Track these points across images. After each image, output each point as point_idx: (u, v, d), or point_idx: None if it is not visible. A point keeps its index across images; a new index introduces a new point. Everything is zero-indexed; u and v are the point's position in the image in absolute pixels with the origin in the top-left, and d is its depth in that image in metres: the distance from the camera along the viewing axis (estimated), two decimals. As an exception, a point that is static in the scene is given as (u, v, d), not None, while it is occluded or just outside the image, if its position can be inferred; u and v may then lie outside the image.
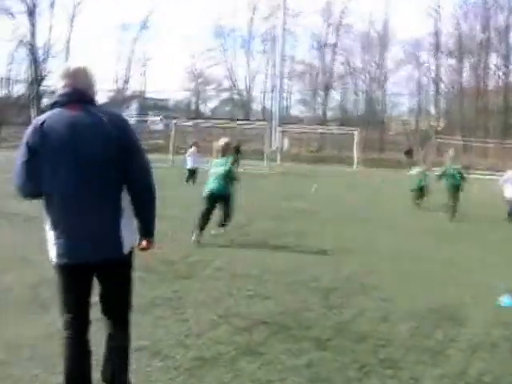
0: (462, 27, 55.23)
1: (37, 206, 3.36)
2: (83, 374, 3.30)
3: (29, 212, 10.91)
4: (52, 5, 57.87)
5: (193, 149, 21.49)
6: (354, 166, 37.35)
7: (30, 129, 3.17)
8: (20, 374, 3.72)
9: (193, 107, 68.22)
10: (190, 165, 20.78)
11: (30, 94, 62.24)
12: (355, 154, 38.88)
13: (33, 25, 57.42)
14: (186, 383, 3.75)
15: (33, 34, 57.58)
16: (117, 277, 3.33)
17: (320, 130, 52.02)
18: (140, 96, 66.38)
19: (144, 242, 3.37)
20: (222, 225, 9.35)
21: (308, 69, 63.46)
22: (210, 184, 9.19)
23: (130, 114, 64.63)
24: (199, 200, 9.17)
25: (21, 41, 58.33)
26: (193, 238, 8.71)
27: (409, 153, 38.44)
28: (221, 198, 9.16)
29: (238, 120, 52.58)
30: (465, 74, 56.30)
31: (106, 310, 3.36)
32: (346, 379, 3.94)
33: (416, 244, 9.58)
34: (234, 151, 27.25)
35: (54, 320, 4.70)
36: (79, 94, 3.19)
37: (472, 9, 54.47)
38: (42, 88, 60.58)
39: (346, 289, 6.34)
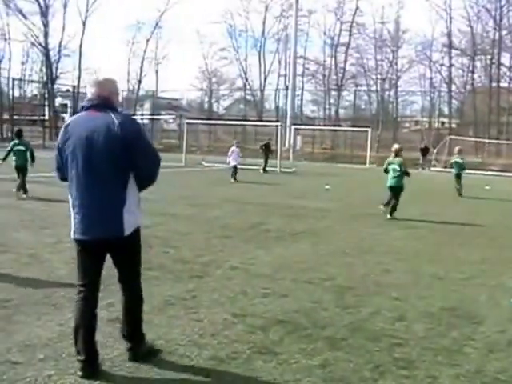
0: (474, 26, 54.91)
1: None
2: (89, 323, 3.95)
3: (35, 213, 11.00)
4: (65, 5, 58.22)
5: (234, 147, 22.30)
6: (367, 165, 37.23)
7: (62, 128, 3.92)
8: (33, 375, 3.73)
9: (206, 106, 68.38)
10: (232, 162, 21.76)
11: (43, 93, 62.72)
12: (368, 152, 38.77)
13: (46, 25, 57.82)
14: (200, 383, 3.76)
15: (46, 35, 57.99)
16: (122, 252, 3.97)
17: (333, 129, 51.98)
18: (153, 95, 66.58)
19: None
20: (391, 209, 12.30)
21: (320, 68, 63.38)
22: (390, 179, 12.46)
23: (143, 114, 65.09)
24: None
25: (33, 42, 58.79)
26: (388, 215, 12.22)
27: (425, 150, 38.17)
28: (395, 189, 12.32)
29: (250, 120, 52.73)
30: (477, 73, 56.00)
31: (119, 278, 4.08)
32: (361, 379, 3.93)
33: (430, 243, 9.52)
34: (265, 149, 27.52)
35: (67, 320, 4.76)
36: (102, 100, 3.83)
37: (484, 8, 54.10)
38: (55, 88, 61.02)
39: (361, 288, 6.33)
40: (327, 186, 19.11)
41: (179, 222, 10.51)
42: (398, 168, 12.28)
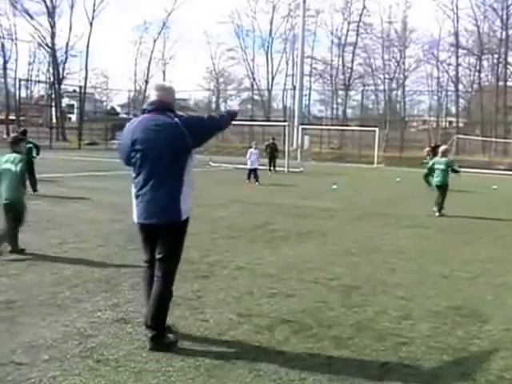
0: (481, 26, 54.70)
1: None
2: (147, 291, 4.48)
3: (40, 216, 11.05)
4: (72, 6, 58.44)
5: (252, 149, 21.76)
6: (375, 165, 37.15)
7: (126, 126, 4.53)
8: (38, 376, 3.73)
9: (213, 107, 68.47)
10: (252, 165, 20.99)
11: (50, 94, 62.98)
12: (376, 152, 38.68)
13: (52, 26, 58.05)
14: (206, 383, 3.76)
15: (52, 35, 58.22)
16: (171, 237, 4.45)
17: (340, 129, 51.90)
18: (160, 96, 66.65)
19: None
20: (439, 206, 13.00)
21: (328, 68, 63.32)
22: (436, 178, 13.33)
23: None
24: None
25: (40, 42, 59.03)
26: (436, 213, 12.87)
27: (435, 149, 37.89)
28: (443, 187, 13.11)
29: (258, 120, 52.70)
30: (484, 72, 55.79)
31: (157, 260, 4.43)
32: (367, 378, 3.92)
33: (436, 243, 9.49)
34: (271, 150, 27.28)
35: (72, 321, 4.78)
36: (162, 104, 4.40)
37: (491, 7, 53.89)
38: (62, 88, 61.24)
39: (367, 287, 6.31)
40: (334, 186, 19.08)
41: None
42: (445, 167, 13.20)
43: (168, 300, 4.42)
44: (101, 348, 4.23)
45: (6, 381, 3.66)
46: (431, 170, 13.80)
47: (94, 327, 4.68)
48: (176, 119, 4.32)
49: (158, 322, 4.34)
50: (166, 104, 4.41)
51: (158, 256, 4.41)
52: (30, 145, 14.25)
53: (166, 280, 4.40)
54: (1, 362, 3.93)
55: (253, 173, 20.88)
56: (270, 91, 65.37)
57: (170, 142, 4.28)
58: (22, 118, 53.32)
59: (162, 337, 4.33)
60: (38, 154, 15.17)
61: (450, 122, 58.01)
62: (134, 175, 4.47)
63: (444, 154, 13.78)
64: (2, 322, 4.72)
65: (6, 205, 7.35)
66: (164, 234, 4.41)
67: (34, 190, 13.92)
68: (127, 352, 4.18)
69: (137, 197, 4.44)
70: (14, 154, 7.50)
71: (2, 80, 60.89)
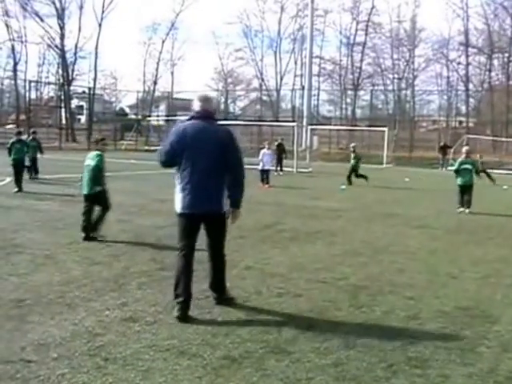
0: (491, 24, 54.39)
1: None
2: (187, 273, 5.25)
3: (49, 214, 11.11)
4: (81, 7, 58.66)
5: (265, 150, 20.65)
6: (384, 165, 37.03)
7: (175, 130, 5.22)
8: (47, 374, 3.77)
9: (222, 107, 68.52)
10: (265, 166, 19.75)
11: (59, 95, 63.26)
12: (385, 152, 38.55)
13: (62, 27, 58.29)
14: (213, 382, 3.76)
15: (62, 37, 58.45)
16: (215, 224, 5.31)
17: (349, 129, 51.75)
18: (168, 97, 66.84)
19: (232, 214, 5.28)
20: (468, 205, 13.49)
21: (337, 68, 63.22)
22: (463, 178, 13.63)
23: (159, 115, 65.33)
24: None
25: (50, 44, 59.29)
26: (466, 211, 13.32)
27: (444, 148, 37.73)
28: (469, 187, 13.55)
29: (267, 121, 52.67)
30: (494, 71, 55.43)
31: (208, 244, 5.41)
32: (374, 378, 3.91)
33: (445, 243, 9.45)
34: (279, 150, 26.96)
35: (81, 320, 4.82)
36: (207, 112, 5.23)
37: (501, 5, 53.55)
38: (71, 89, 61.49)
39: (374, 287, 6.30)
40: (343, 186, 19.05)
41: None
42: (471, 167, 13.79)
43: (224, 268, 5.51)
44: (109, 346, 4.26)
45: (16, 378, 3.69)
46: (458, 172, 13.91)
47: (102, 326, 4.71)
48: (222, 128, 5.29)
49: (219, 286, 5.50)
50: (209, 112, 5.26)
51: (208, 239, 5.38)
52: (34, 143, 17.82)
53: (219, 255, 5.44)
54: (11, 359, 3.97)
55: (265, 174, 19.65)
56: (278, 91, 65.40)
57: (215, 144, 5.09)
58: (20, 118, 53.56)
59: (223, 296, 5.49)
60: (41, 152, 18.74)
61: (460, 122, 57.72)
62: (181, 172, 5.15)
63: (468, 155, 14.13)
64: (12, 320, 4.77)
65: (86, 195, 8.62)
66: (210, 222, 5.27)
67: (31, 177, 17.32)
68: (135, 350, 4.20)
69: (183, 190, 5.14)
70: (95, 152, 8.71)
71: (13, 82, 61.27)
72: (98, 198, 8.60)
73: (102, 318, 4.92)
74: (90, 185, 8.50)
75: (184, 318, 4.95)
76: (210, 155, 5.08)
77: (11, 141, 16.19)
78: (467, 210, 13.42)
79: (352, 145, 23.65)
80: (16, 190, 14.55)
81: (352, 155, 22.09)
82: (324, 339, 4.61)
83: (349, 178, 21.33)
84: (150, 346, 4.31)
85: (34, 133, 20.28)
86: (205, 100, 5.29)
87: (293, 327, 4.87)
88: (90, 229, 8.49)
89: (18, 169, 15.19)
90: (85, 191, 8.60)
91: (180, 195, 5.19)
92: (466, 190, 13.69)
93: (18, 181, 14.88)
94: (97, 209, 8.74)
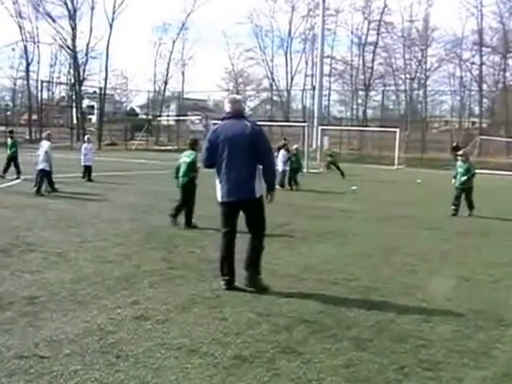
0: (507, 23, 53.90)
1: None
2: (231, 255, 6.05)
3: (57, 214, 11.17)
4: (92, 8, 58.89)
5: (283, 150, 19.82)
6: (395, 166, 36.88)
7: (211, 131, 6.13)
8: (60, 370, 3.79)
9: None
10: (282, 167, 18.88)
11: (70, 95, 63.58)
12: (396, 153, 38.37)
13: (73, 28, 58.54)
14: (224, 381, 3.76)
15: (73, 37, 58.70)
16: (252, 210, 6.05)
17: (360, 129, 51.57)
18: (179, 97, 66.95)
19: (268, 196, 6.14)
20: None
21: (348, 68, 62.99)
22: (459, 180, 13.32)
23: (169, 115, 65.41)
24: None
25: (62, 44, 59.57)
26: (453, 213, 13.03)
27: (456, 149, 37.43)
28: (464, 190, 13.21)
29: (277, 121, 52.59)
30: (509, 71, 54.90)
31: (248, 228, 6.11)
32: (386, 380, 3.89)
33: (457, 245, 9.40)
34: (286, 151, 26.72)
35: (93, 317, 4.84)
36: (237, 112, 6.07)
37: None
38: (82, 89, 61.75)
39: (386, 289, 6.27)
40: (354, 187, 18.99)
41: (204, 222, 10.53)
42: (464, 172, 13.29)
43: (261, 252, 6.12)
44: (120, 344, 4.27)
45: (29, 373, 3.72)
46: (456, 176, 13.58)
47: (113, 324, 4.73)
48: (250, 124, 5.96)
49: (254, 268, 6.02)
50: (239, 112, 6.09)
51: (247, 223, 6.06)
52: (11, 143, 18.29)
53: (258, 238, 6.09)
54: (24, 354, 4.01)
55: (282, 175, 18.83)
56: (289, 92, 65.24)
57: (245, 138, 5.82)
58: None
59: (257, 279, 6.00)
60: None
61: (473, 123, 57.28)
62: (218, 166, 5.94)
63: (463, 159, 13.64)
64: (26, 317, 4.80)
65: (180, 187, 10.12)
66: (246, 207, 6.01)
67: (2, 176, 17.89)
68: (146, 348, 4.21)
69: (221, 181, 5.95)
70: (190, 151, 10.16)
71: (25, 82, 61.60)
72: (189, 189, 10.03)
73: (114, 315, 4.94)
74: (187, 174, 9.99)
75: (231, 288, 5.90)
76: (241, 148, 5.82)
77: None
78: (455, 213, 13.09)
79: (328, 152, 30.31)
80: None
81: (328, 158, 28.20)
82: (335, 340, 4.59)
83: (338, 169, 25.61)
84: (162, 344, 4.32)
85: (10, 132, 19.59)
86: (234, 101, 6.13)
87: (304, 328, 4.86)
88: (186, 223, 9.91)
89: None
90: (181, 182, 10.08)
91: (219, 186, 5.99)
92: (464, 193, 13.24)
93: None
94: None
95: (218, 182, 6.03)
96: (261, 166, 5.99)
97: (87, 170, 18.18)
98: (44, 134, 16.39)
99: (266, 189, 6.07)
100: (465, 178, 13.17)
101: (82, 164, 18.27)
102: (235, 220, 6.07)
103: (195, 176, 10.08)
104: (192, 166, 9.99)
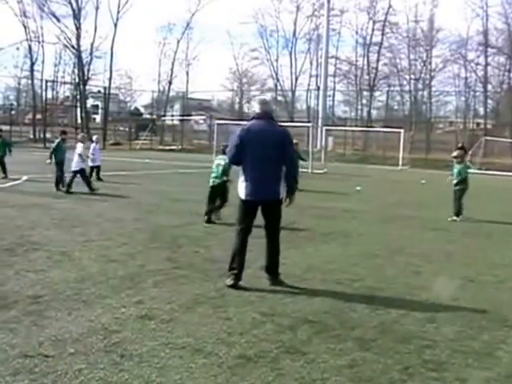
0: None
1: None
2: (243, 250, 6.14)
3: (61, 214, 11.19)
4: (97, 7, 58.94)
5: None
6: (399, 167, 36.84)
7: (241, 129, 6.16)
8: (64, 369, 3.79)
9: (236, 107, 68.51)
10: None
11: (75, 95, 63.69)
12: (401, 154, 38.33)
13: (78, 28, 58.60)
14: (228, 381, 3.76)
15: (78, 37, 58.76)
16: (273, 210, 6.17)
17: (365, 130, 51.51)
18: (183, 96, 66.98)
19: (287, 199, 6.22)
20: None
21: (352, 68, 62.91)
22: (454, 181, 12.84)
23: (173, 115, 65.43)
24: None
25: (66, 44, 59.65)
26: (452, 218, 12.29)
27: (461, 149, 37.30)
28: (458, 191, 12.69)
29: (282, 121, 52.48)
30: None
31: (266, 228, 6.23)
32: (390, 380, 3.88)
33: (462, 246, 9.39)
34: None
35: (97, 316, 4.85)
36: (267, 113, 6.21)
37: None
38: (86, 89, 61.82)
39: (390, 289, 6.27)
40: (358, 188, 18.98)
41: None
42: (457, 173, 12.87)
43: (279, 252, 6.27)
44: (125, 343, 4.28)
45: (34, 372, 3.73)
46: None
47: (118, 323, 4.73)
48: (277, 127, 6.27)
49: (274, 268, 6.23)
50: (267, 113, 6.22)
51: (266, 223, 6.19)
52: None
53: (276, 238, 6.24)
54: (29, 353, 4.01)
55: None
56: (293, 92, 65.21)
57: (272, 141, 5.99)
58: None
59: (277, 277, 6.20)
60: (10, 151, 18.76)
61: (478, 124, 57.09)
62: (244, 164, 6.08)
63: (458, 160, 13.12)
64: (30, 316, 4.81)
65: (214, 186, 10.62)
66: (268, 207, 6.13)
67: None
68: (150, 348, 4.21)
69: (246, 180, 6.05)
70: (223, 155, 10.30)
71: (29, 81, 61.77)
72: (222, 189, 10.62)
73: (118, 315, 4.95)
74: (221, 177, 10.52)
75: (236, 285, 5.95)
76: (268, 150, 5.97)
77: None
78: (453, 218, 12.35)
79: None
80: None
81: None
82: (339, 340, 4.59)
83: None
84: (166, 343, 4.32)
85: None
86: (263, 103, 6.35)
87: (308, 328, 4.86)
88: (207, 214, 10.44)
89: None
90: (214, 183, 10.63)
91: (243, 184, 6.09)
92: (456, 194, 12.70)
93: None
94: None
95: (242, 179, 6.12)
96: (284, 169, 6.13)
97: (94, 170, 18.11)
98: (79, 136, 16.63)
99: (286, 191, 6.22)
100: (455, 180, 12.72)
101: (89, 165, 17.81)
102: (253, 219, 6.20)
103: (227, 180, 10.57)
104: (225, 170, 10.48)
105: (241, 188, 6.14)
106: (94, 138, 19.82)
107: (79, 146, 15.39)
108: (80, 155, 15.08)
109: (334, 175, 26.93)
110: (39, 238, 8.23)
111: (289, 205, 6.24)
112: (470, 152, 37.45)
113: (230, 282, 5.97)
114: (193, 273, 6.58)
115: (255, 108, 6.33)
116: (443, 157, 42.08)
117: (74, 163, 14.91)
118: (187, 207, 12.52)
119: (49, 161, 15.54)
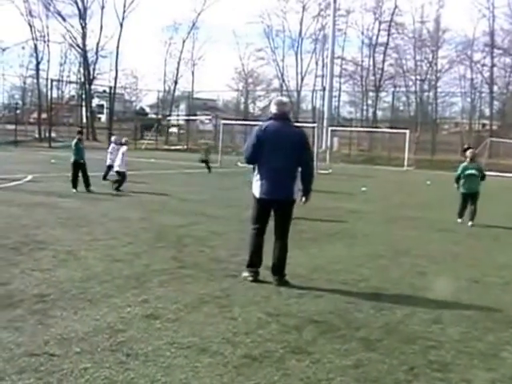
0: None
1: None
2: (260, 249, 6.29)
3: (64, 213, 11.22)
4: (102, 7, 59.11)
5: None
6: (405, 167, 36.78)
7: (257, 129, 6.19)
8: (70, 368, 3.80)
9: (242, 107, 68.52)
10: None
11: (80, 94, 63.87)
12: (406, 154, 38.27)
13: (83, 27, 58.79)
14: (234, 380, 3.77)
15: (84, 36, 58.96)
16: (283, 210, 6.23)
17: (370, 131, 51.45)
18: (189, 96, 67.05)
19: (303, 198, 6.39)
20: (472, 216, 11.90)
21: (358, 69, 62.85)
22: (469, 185, 12.06)
23: (179, 114, 65.48)
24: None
25: (72, 43, 59.85)
26: (469, 223, 11.71)
27: (465, 151, 37.14)
28: (476, 194, 11.98)
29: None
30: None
31: (276, 228, 6.26)
32: (395, 381, 3.88)
33: (467, 247, 9.37)
34: None
35: (103, 315, 4.86)
36: (284, 114, 6.21)
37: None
38: (92, 88, 61.99)
39: (395, 290, 6.26)
40: (364, 188, 18.96)
41: (214, 222, 10.58)
42: (477, 173, 12.11)
43: (287, 252, 6.29)
44: (130, 342, 4.28)
45: (40, 370, 3.73)
46: (459, 178, 12.25)
47: (123, 322, 4.74)
48: (294, 128, 6.35)
49: (280, 267, 6.24)
50: (285, 114, 6.23)
51: (276, 223, 6.23)
52: None
53: (285, 239, 6.26)
54: (34, 352, 4.02)
55: None
56: (299, 92, 65.19)
57: (289, 142, 6.05)
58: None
59: (283, 277, 6.20)
60: None
61: (484, 125, 56.96)
62: (260, 163, 6.14)
63: (473, 158, 12.41)
64: (36, 315, 4.82)
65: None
66: (280, 207, 6.19)
67: None
68: (156, 347, 4.22)
69: (261, 179, 6.12)
70: None
71: (35, 80, 61.96)
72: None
73: (124, 314, 4.96)
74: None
75: (256, 280, 6.18)
76: (284, 151, 6.02)
77: None
78: (470, 223, 11.73)
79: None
80: None
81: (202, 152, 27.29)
82: (344, 341, 4.59)
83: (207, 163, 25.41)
84: (171, 343, 4.33)
85: None
86: (280, 104, 6.30)
87: (313, 328, 4.86)
88: None
89: None
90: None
91: (258, 183, 6.17)
92: (470, 199, 11.99)
93: None
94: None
95: (257, 178, 6.20)
96: (300, 169, 6.22)
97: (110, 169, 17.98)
98: (123, 140, 17.06)
99: (301, 191, 6.36)
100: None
101: (107, 164, 17.72)
102: (267, 219, 6.29)
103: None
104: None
105: (255, 187, 6.21)
106: (113, 138, 20.17)
107: (123, 148, 16.20)
108: (123, 155, 15.91)
109: (339, 176, 26.92)
110: (45, 237, 8.25)
111: (304, 204, 6.40)
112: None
113: (250, 278, 6.22)
114: (198, 272, 6.58)
115: (272, 108, 6.28)
116: (448, 158, 42.06)
117: (118, 164, 15.84)
118: (192, 207, 12.54)
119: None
